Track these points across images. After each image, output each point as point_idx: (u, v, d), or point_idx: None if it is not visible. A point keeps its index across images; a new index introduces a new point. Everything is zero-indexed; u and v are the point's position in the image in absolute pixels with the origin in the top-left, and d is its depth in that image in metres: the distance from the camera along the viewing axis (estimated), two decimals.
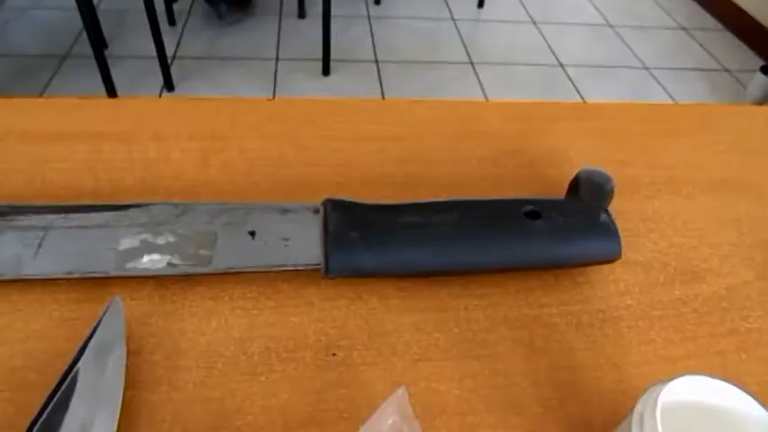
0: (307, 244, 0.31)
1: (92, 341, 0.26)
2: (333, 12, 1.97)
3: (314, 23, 2.17)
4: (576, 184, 0.33)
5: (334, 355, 0.28)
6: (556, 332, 0.30)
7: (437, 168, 0.39)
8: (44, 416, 0.23)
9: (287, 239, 0.31)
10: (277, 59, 1.99)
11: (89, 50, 1.97)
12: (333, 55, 1.87)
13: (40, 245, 0.30)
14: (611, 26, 2.21)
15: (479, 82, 1.95)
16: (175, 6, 2.06)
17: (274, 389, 0.27)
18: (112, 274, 0.29)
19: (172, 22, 2.06)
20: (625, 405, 0.24)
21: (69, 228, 0.31)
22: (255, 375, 0.27)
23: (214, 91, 1.74)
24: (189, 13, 2.15)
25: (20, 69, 1.83)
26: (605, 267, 0.33)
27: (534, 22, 2.23)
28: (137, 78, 1.84)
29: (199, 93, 1.73)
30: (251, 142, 0.39)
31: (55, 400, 0.24)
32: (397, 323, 0.30)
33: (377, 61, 2.02)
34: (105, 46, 1.92)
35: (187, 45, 2.01)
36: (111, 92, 1.64)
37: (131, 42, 1.99)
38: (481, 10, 2.29)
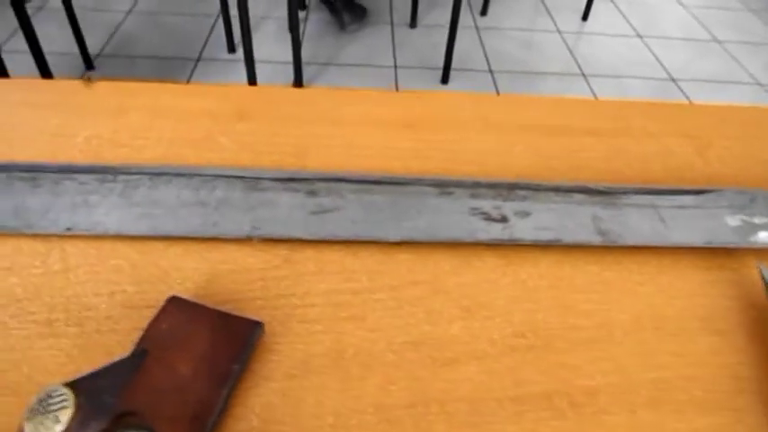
0: None
1: None
2: (440, 21, 2.04)
3: (425, 33, 2.24)
4: None
5: None
6: None
7: None
8: None
9: None
10: (395, 67, 2.06)
11: (218, 54, 2.06)
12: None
13: (661, 219, 0.36)
14: (717, 41, 2.25)
15: (594, 94, 2.00)
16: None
17: None
18: (744, 246, 0.35)
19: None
20: None
21: (679, 207, 0.37)
22: None
23: None
24: (306, 20, 2.23)
25: (157, 70, 1.91)
26: None
27: (640, 36, 2.27)
28: (265, 81, 1.91)
29: None
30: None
31: None
32: None
33: (491, 71, 2.07)
34: (233, 50, 2.01)
35: (307, 51, 2.08)
36: None
37: (257, 48, 2.06)
38: (585, 23, 2.34)
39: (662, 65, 2.12)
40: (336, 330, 0.30)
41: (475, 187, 0.37)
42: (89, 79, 0.43)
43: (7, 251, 0.32)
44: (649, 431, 0.27)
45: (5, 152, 0.38)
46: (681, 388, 0.29)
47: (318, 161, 0.39)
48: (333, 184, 0.36)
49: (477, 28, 2.29)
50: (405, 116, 0.44)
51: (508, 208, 0.36)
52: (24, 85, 0.44)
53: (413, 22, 2.23)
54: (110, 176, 0.36)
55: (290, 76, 1.87)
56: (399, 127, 0.42)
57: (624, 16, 2.39)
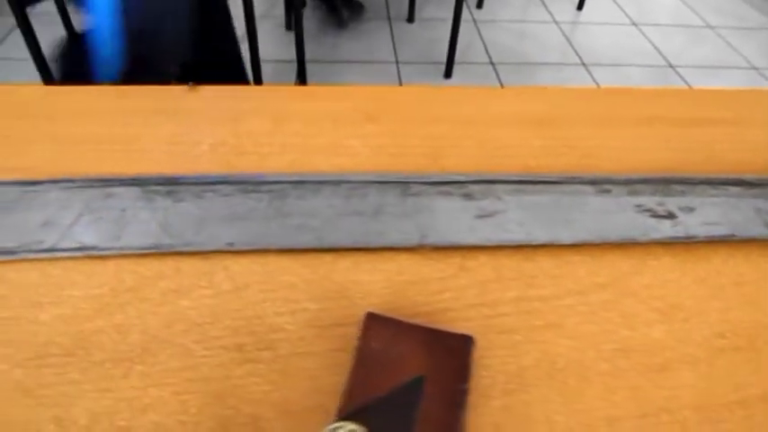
0: None
1: None
2: (439, 15, 2.03)
3: (423, 27, 2.23)
4: None
5: None
6: None
7: None
8: None
9: None
10: (397, 63, 2.04)
11: None
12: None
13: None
14: (710, 27, 2.28)
15: (595, 82, 2.01)
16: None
17: None
18: None
19: (289, 27, 2.11)
20: None
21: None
22: None
23: None
24: (303, 18, 2.19)
25: None
26: None
27: (635, 24, 2.29)
28: (268, 81, 1.88)
29: None
30: None
31: None
32: None
33: (492, 63, 2.07)
34: None
35: (307, 49, 2.05)
36: None
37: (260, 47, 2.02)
38: (580, 12, 2.35)
39: (659, 52, 2.14)
40: (537, 340, 0.28)
41: (629, 183, 0.36)
42: (194, 85, 0.41)
43: (168, 271, 0.30)
44: None
45: (126, 163, 0.36)
46: None
47: (453, 162, 0.38)
48: (486, 186, 0.35)
49: (474, 21, 2.28)
50: (529, 113, 0.42)
51: (671, 204, 0.35)
52: (127, 92, 0.41)
53: (410, 17, 2.22)
54: (250, 186, 0.34)
55: (292, 75, 1.83)
56: (526, 124, 0.41)
57: (618, 5, 2.41)
